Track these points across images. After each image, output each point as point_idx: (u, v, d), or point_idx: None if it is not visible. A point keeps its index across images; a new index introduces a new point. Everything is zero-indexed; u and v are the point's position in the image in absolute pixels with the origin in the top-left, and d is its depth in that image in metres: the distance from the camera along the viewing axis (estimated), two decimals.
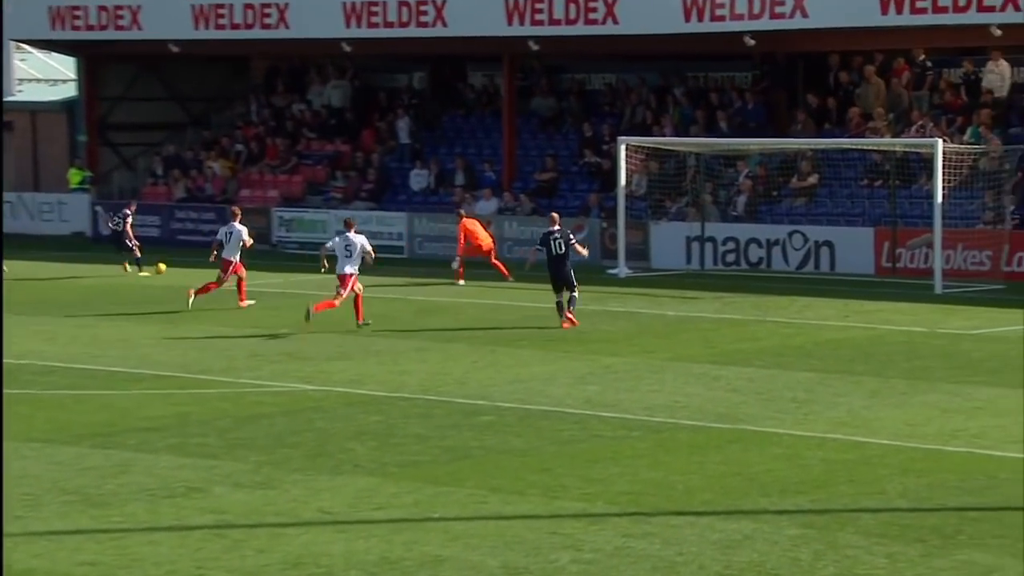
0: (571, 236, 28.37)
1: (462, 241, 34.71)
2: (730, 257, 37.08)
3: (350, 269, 27.71)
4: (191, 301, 30.42)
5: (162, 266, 36.83)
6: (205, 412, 20.76)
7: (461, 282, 34.56)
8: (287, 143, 46.48)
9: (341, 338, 27.36)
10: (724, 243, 37.16)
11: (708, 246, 37.04)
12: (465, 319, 29.78)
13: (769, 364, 24.32)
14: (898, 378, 23.02)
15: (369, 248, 28.12)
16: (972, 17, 35.01)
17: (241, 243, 31.54)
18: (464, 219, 35.19)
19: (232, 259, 31.42)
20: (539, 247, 28.61)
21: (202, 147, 48.21)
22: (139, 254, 37.60)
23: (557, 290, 27.69)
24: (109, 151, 49.30)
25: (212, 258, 31.82)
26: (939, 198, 32.73)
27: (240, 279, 31.51)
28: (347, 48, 42.79)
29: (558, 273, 27.69)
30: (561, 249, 27.68)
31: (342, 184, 44.25)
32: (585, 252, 29.04)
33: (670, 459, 17.89)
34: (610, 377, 23.25)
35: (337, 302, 27.83)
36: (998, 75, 36.72)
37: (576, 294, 27.91)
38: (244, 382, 23.11)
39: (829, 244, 36.02)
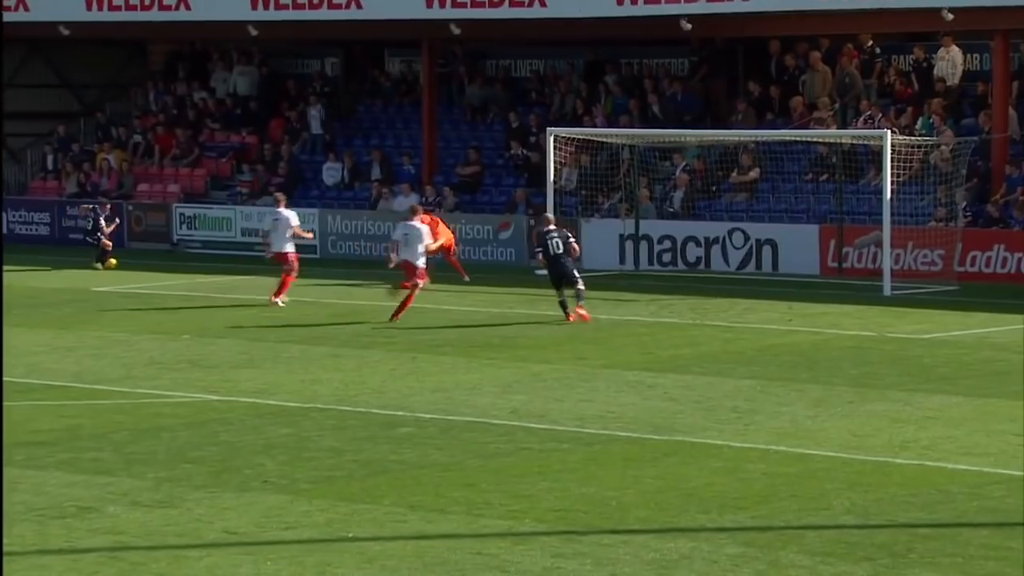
0: (568, 236, 29.47)
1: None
2: (666, 257, 37.24)
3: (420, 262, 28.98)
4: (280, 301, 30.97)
5: (113, 261, 36.73)
6: (99, 425, 20.59)
7: (467, 278, 34.15)
8: (188, 134, 46.20)
9: (248, 344, 27.24)
10: (660, 242, 37.32)
11: (643, 245, 37.18)
12: (383, 323, 29.71)
13: (708, 371, 24.45)
14: (845, 386, 23.22)
15: (428, 239, 29.24)
16: (922, 0, 35.41)
17: (291, 231, 31.33)
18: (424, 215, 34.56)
19: (285, 250, 31.49)
20: (538, 248, 29.73)
21: (96, 138, 47.82)
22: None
23: (558, 288, 28.85)
24: None
25: (269, 255, 32.03)
26: (888, 193, 33.05)
27: (288, 272, 31.37)
28: (253, 32, 42.57)
29: (559, 272, 28.89)
30: (559, 248, 28.86)
31: (248, 178, 44.07)
32: (577, 251, 30.17)
33: (603, 473, 17.94)
34: (539, 386, 23.28)
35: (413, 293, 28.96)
36: (950, 62, 37.13)
37: (582, 287, 28.72)
38: (142, 392, 22.95)
39: (772, 243, 36.26)
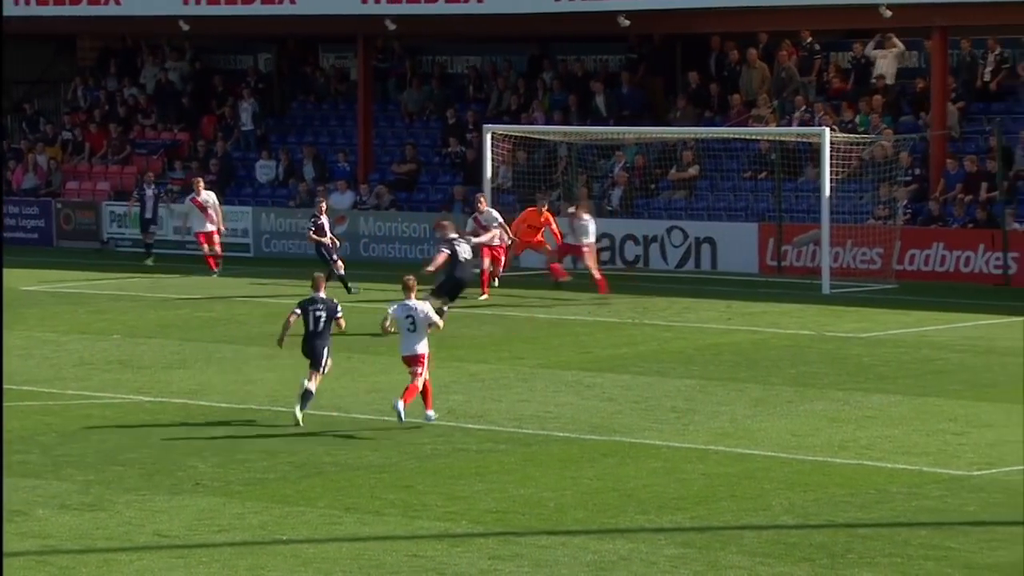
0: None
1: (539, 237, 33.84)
2: (605, 255, 37.24)
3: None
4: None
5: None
6: (27, 427, 20.44)
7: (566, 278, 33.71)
8: (119, 131, 45.85)
9: (180, 345, 27.10)
10: (598, 240, 37.37)
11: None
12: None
13: (647, 371, 24.53)
14: (784, 385, 23.35)
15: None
16: None
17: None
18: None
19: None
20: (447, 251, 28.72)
21: (24, 135, 47.41)
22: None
23: (448, 297, 28.46)
24: None
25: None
26: (827, 191, 33.23)
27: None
28: (185, 27, 42.32)
29: (458, 282, 28.65)
30: (468, 254, 28.64)
31: (181, 176, 43.78)
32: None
33: (540, 474, 17.96)
34: (476, 386, 23.30)
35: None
36: (889, 59, 37.38)
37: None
38: (71, 393, 22.81)
39: (711, 241, 36.40)
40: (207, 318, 29.99)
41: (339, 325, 21.38)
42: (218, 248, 36.59)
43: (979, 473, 17.79)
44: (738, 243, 36.19)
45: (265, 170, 43.28)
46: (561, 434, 20.06)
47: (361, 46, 42.55)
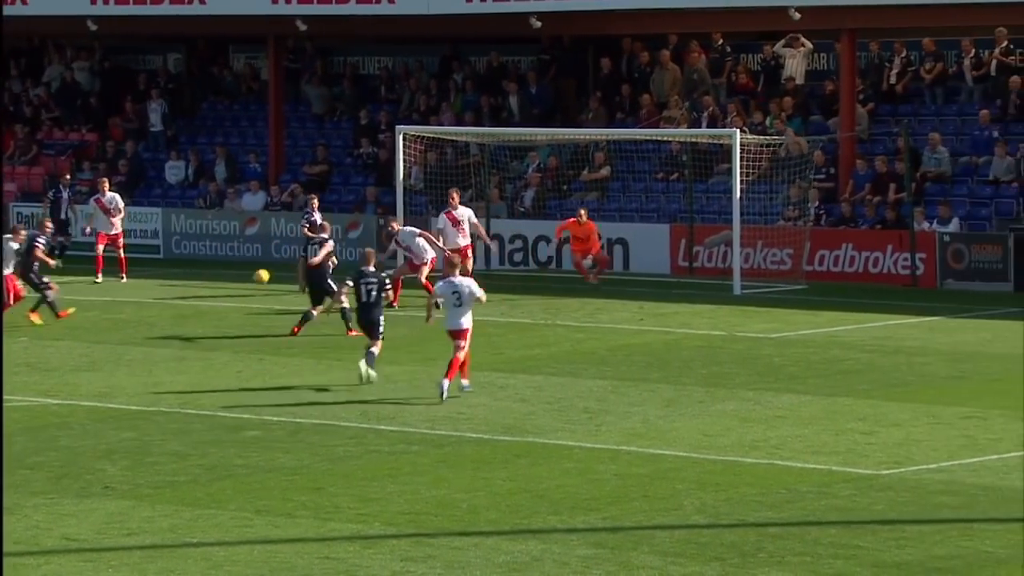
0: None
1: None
2: (517, 256, 37.37)
3: None
4: None
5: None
6: None
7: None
8: (26, 131, 45.38)
9: (88, 347, 26.87)
10: (511, 241, 37.43)
11: (493, 244, 37.22)
12: (229, 325, 29.50)
13: (559, 372, 24.60)
14: (695, 386, 23.49)
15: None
16: None
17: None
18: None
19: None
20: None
21: None
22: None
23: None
24: None
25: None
26: (737, 192, 33.47)
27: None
28: (93, 27, 41.92)
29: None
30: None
31: (89, 176, 43.35)
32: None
33: (453, 476, 17.97)
34: (388, 387, 23.24)
35: None
36: (798, 61, 37.69)
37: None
38: None
39: (622, 242, 36.53)
40: (116, 320, 29.77)
41: (388, 296, 24.24)
42: (121, 252, 35.84)
43: (887, 472, 17.98)
44: (650, 244, 36.34)
45: (174, 171, 42.96)
46: (474, 435, 20.08)
47: (272, 46, 42.36)
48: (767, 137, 35.60)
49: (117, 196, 36.56)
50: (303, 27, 39.78)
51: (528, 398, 22.51)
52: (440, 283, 22.64)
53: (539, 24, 37.54)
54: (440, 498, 16.84)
